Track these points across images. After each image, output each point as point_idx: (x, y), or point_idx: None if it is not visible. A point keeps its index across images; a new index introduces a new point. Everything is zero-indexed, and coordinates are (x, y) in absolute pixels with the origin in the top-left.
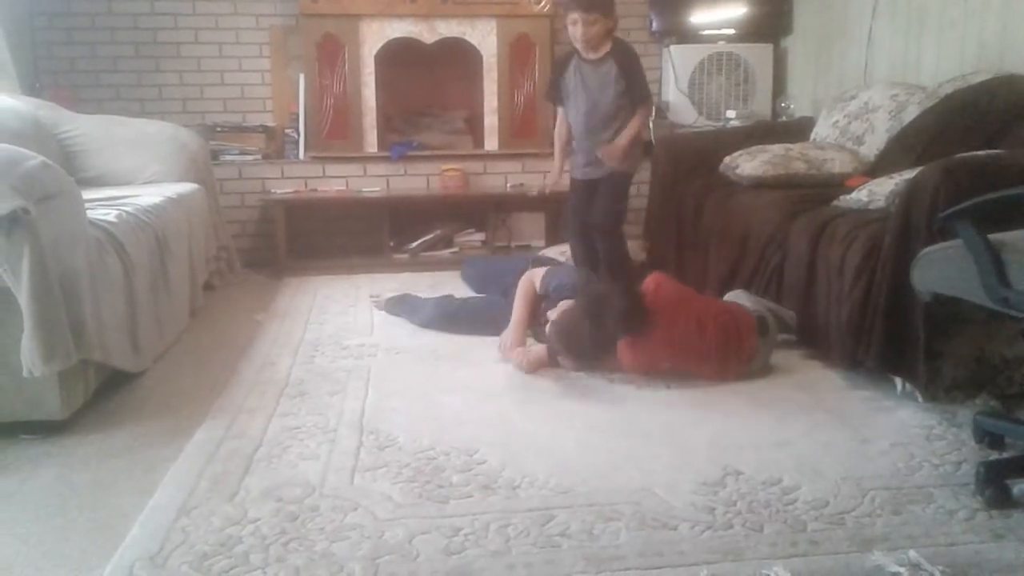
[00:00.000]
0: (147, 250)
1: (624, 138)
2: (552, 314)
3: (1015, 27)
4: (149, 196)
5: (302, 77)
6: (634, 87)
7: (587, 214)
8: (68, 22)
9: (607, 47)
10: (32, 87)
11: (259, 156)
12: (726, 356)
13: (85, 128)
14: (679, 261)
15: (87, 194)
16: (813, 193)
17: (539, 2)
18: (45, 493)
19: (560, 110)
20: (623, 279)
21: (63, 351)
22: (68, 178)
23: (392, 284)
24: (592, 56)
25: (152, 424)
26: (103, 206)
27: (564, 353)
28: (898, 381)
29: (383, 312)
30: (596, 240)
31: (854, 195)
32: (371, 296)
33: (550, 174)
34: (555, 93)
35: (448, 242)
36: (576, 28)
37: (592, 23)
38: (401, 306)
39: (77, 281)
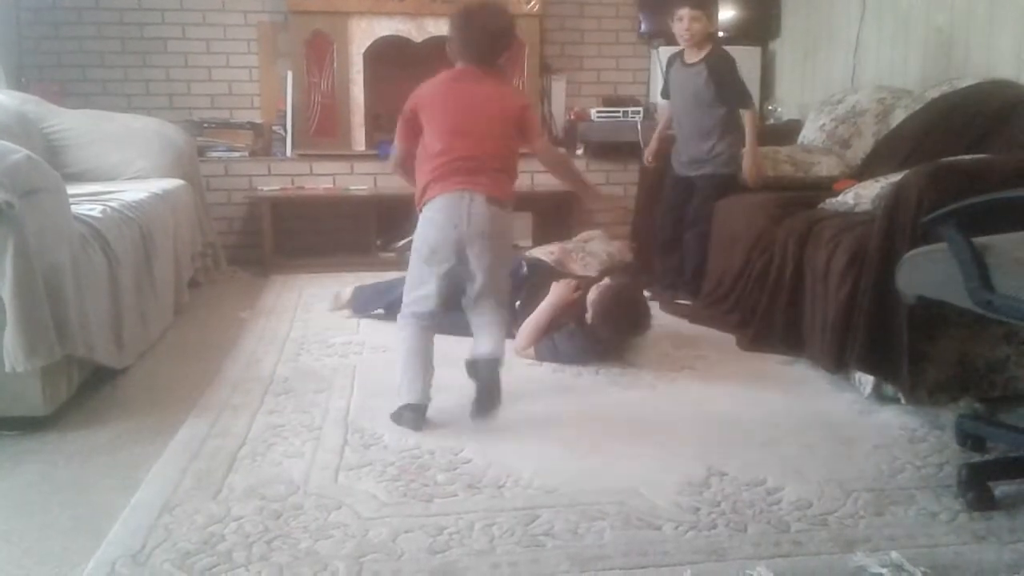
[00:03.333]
0: (132, 246)
1: (749, 156)
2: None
3: (1000, 32)
4: (134, 192)
5: (290, 74)
6: (729, 92)
7: (681, 209)
8: (54, 16)
9: (707, 50)
10: (18, 81)
11: (246, 153)
12: None
13: (71, 123)
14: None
15: (72, 189)
16: (800, 196)
17: (529, 1)
18: (27, 490)
19: (664, 102)
20: (700, 269)
21: (46, 346)
22: (53, 173)
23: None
24: (691, 59)
25: (136, 421)
26: (88, 201)
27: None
28: (873, 382)
29: (347, 311)
30: (685, 232)
31: (840, 198)
32: (335, 307)
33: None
34: (666, 87)
35: None
36: (681, 24)
37: (696, 19)
38: (367, 298)
39: (61, 276)
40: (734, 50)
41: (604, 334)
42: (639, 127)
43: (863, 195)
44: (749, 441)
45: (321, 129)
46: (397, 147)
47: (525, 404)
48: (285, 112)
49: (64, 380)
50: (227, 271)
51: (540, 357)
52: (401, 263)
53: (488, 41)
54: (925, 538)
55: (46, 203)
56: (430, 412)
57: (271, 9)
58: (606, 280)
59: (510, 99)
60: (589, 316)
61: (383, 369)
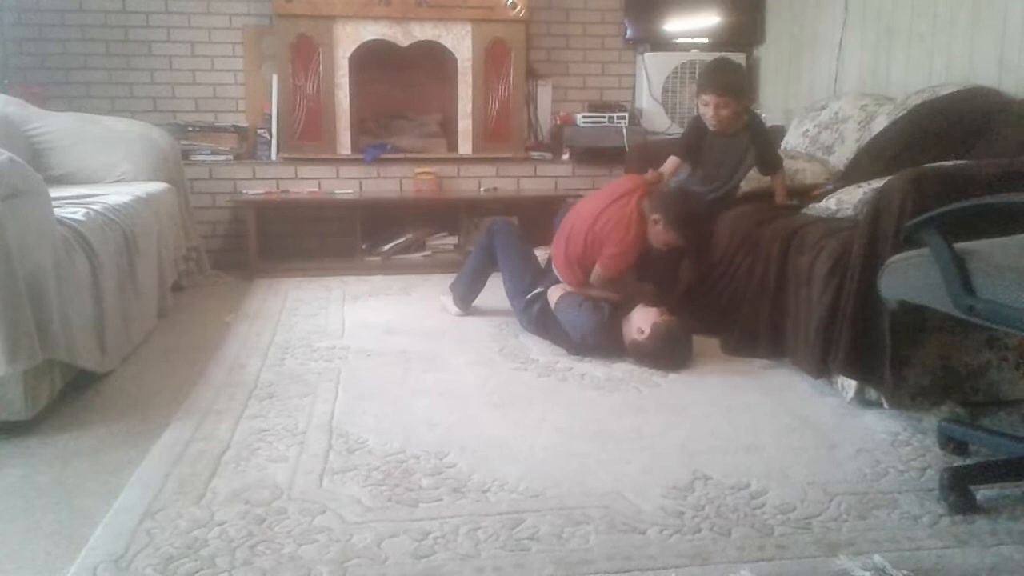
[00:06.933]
0: (115, 249)
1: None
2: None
3: (982, 40)
4: (118, 195)
5: (275, 78)
6: (771, 158)
7: None
8: (38, 19)
9: (739, 126)
10: (0, 84)
11: (231, 156)
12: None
13: (54, 125)
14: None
15: (55, 192)
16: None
17: (515, 7)
18: (9, 494)
19: (675, 159)
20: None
21: (28, 350)
22: (36, 175)
23: (364, 287)
24: (730, 131)
25: (118, 425)
26: (71, 204)
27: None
28: (856, 386)
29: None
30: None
31: (823, 203)
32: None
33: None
34: (686, 152)
35: (421, 245)
36: (707, 110)
37: (722, 107)
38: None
39: (43, 279)
40: (719, 56)
41: (639, 356)
42: (624, 132)
43: (846, 201)
44: (733, 445)
45: (306, 133)
46: None
47: (510, 408)
48: (270, 116)
49: (46, 384)
50: (211, 275)
51: (558, 305)
52: (387, 267)
53: None
54: (908, 541)
55: (28, 206)
56: (415, 417)
57: (256, 12)
58: (664, 316)
59: None
60: (640, 335)
61: (368, 373)
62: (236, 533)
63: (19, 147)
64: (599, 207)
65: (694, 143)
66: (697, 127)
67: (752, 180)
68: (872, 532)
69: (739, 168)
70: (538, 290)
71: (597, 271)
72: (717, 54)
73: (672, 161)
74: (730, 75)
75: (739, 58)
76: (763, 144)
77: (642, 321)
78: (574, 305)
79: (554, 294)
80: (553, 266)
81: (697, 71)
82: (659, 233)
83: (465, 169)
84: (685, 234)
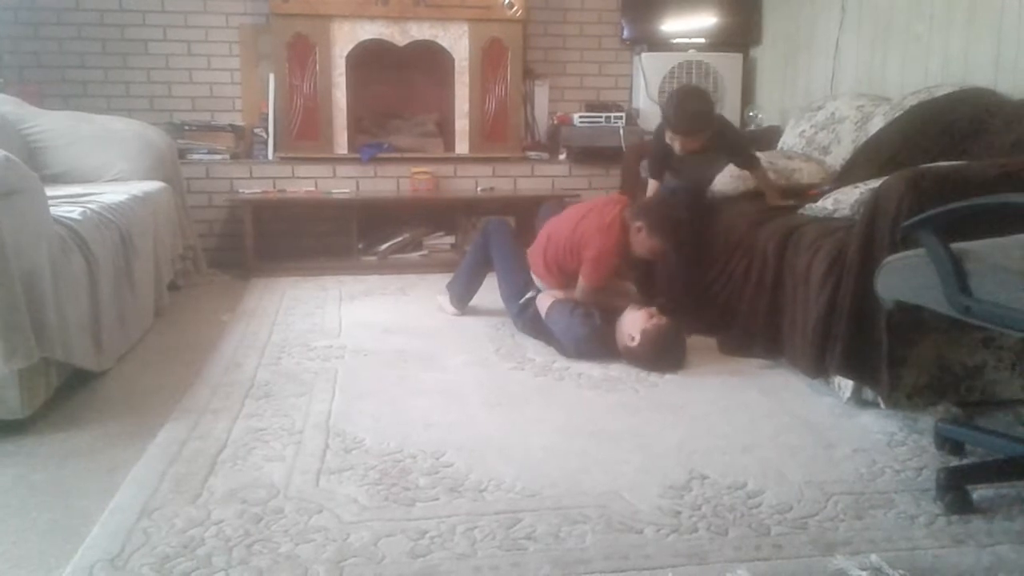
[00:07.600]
0: (111, 248)
1: (774, 190)
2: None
3: (978, 41)
4: (114, 194)
5: (272, 77)
6: (743, 160)
7: None
8: (34, 17)
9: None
10: None
11: (227, 155)
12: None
13: (50, 124)
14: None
15: (51, 191)
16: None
17: (512, 7)
18: (4, 493)
19: (654, 183)
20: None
21: (24, 349)
22: (31, 174)
23: (361, 287)
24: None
25: (114, 424)
26: (67, 203)
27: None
28: (853, 386)
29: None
30: None
31: (819, 204)
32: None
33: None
34: (661, 173)
35: (417, 245)
36: (675, 143)
37: (690, 141)
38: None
39: (39, 278)
40: (715, 56)
41: (633, 361)
42: (621, 132)
43: (842, 201)
44: (730, 445)
45: (303, 132)
46: None
47: (507, 408)
48: (267, 115)
49: (42, 383)
50: (207, 274)
51: (548, 315)
52: (384, 267)
53: None
54: (904, 541)
55: (24, 204)
56: (412, 416)
57: (253, 11)
58: (657, 318)
59: None
60: (632, 342)
61: (365, 373)
62: (233, 532)
63: (15, 146)
64: (581, 214)
65: (664, 162)
66: (660, 147)
67: (749, 180)
68: (868, 532)
69: (708, 172)
70: (530, 294)
71: (581, 283)
72: (714, 54)
73: (652, 185)
74: (697, 111)
75: (735, 59)
76: (731, 152)
77: (631, 327)
78: (565, 314)
79: (543, 302)
80: (532, 273)
81: (694, 72)
82: (643, 240)
83: (462, 169)
84: (669, 239)
